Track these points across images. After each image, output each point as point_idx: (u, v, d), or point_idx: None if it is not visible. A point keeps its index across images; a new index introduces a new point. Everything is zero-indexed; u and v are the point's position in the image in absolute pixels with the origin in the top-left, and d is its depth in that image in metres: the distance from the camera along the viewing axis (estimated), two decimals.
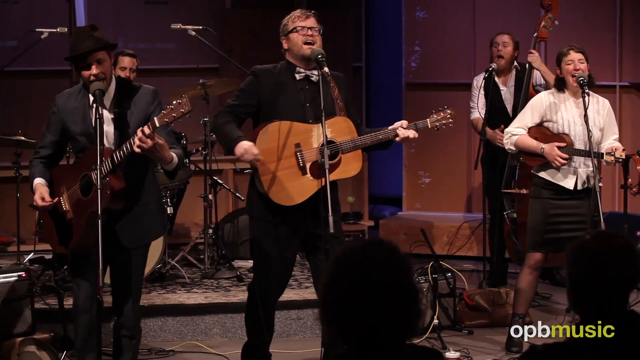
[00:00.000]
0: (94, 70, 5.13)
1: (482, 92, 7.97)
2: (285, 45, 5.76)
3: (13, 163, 7.70)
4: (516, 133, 6.64)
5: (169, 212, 7.67)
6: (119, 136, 5.19)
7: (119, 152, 5.01)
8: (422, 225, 8.35)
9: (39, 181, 5.30)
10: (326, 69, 5.44)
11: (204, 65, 9.47)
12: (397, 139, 5.65)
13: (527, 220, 6.75)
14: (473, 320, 7.26)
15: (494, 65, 7.98)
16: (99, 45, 5.15)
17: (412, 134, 5.69)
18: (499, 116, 7.87)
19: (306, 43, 5.61)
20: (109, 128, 5.21)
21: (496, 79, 8.06)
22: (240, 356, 5.97)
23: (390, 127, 5.67)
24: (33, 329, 6.39)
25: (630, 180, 7.24)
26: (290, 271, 5.88)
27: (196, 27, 7.97)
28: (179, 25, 7.95)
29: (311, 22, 5.66)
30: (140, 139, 4.86)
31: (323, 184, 5.40)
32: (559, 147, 6.47)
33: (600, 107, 6.58)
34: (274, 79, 5.64)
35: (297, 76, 5.65)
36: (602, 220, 6.32)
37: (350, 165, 5.66)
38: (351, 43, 9.94)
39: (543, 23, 7.65)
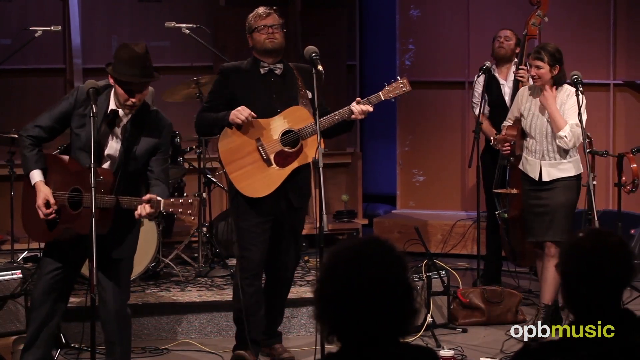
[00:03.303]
0: (136, 100, 5.12)
1: (482, 87, 8.02)
2: (250, 43, 6.08)
3: (7, 162, 7.68)
4: (504, 125, 7.03)
5: None
6: (123, 158, 5.21)
7: (117, 199, 5.08)
8: (416, 223, 8.35)
9: (39, 178, 5.24)
10: (320, 67, 5.66)
11: (198, 64, 9.45)
12: (353, 116, 5.92)
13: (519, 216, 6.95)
14: (467, 318, 7.26)
15: (488, 64, 8.00)
16: (152, 79, 5.16)
17: (365, 108, 5.93)
18: (499, 110, 7.89)
19: (268, 40, 5.99)
20: (116, 147, 5.22)
21: (496, 73, 8.10)
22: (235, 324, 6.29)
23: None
24: (27, 327, 6.37)
25: (624, 178, 7.26)
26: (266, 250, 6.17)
27: (190, 25, 7.97)
28: (173, 24, 7.94)
29: (272, 19, 6.03)
30: (140, 215, 5.04)
31: (289, 173, 5.89)
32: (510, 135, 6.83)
33: (565, 97, 6.70)
34: (241, 75, 6.00)
35: (262, 70, 6.01)
36: (595, 219, 6.34)
37: (312, 150, 5.90)
38: (345, 41, 9.93)
39: (532, 20, 7.64)
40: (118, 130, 5.24)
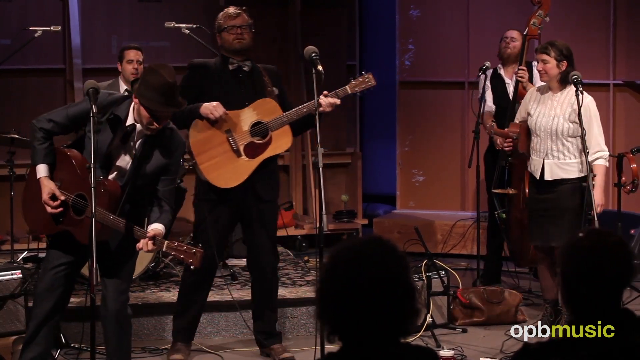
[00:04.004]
0: (160, 126, 5.18)
1: (488, 85, 8.05)
2: (219, 42, 6.25)
3: (7, 162, 7.68)
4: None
5: None
6: (133, 174, 5.22)
7: (120, 223, 5.13)
8: (416, 223, 8.35)
9: (45, 174, 5.23)
10: (320, 67, 5.73)
11: None
12: (321, 108, 5.97)
13: (518, 218, 6.88)
14: (467, 318, 7.26)
15: (487, 64, 8.01)
16: (178, 109, 5.32)
17: (333, 100, 6.08)
18: (503, 109, 7.90)
19: (236, 40, 6.16)
20: (127, 160, 5.25)
21: (502, 72, 8.12)
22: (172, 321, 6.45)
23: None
24: (27, 327, 6.37)
25: (624, 178, 7.26)
26: (221, 251, 6.54)
27: (190, 25, 7.96)
28: (172, 24, 7.94)
29: (241, 20, 6.18)
30: (140, 249, 5.14)
31: (258, 163, 6.05)
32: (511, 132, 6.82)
33: (576, 100, 6.61)
34: (210, 70, 6.20)
35: (231, 66, 6.18)
36: (595, 218, 6.34)
37: (281, 141, 6.13)
38: (345, 41, 9.93)
39: (533, 20, 7.64)
40: (132, 145, 5.25)
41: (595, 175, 6.49)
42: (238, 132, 6.09)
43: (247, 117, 6.10)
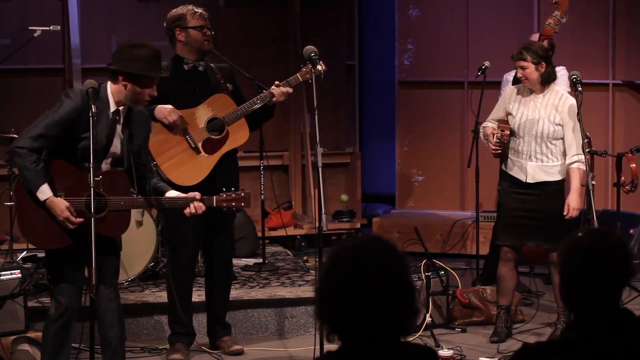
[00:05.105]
0: (155, 92, 5.28)
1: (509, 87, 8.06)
2: (181, 37, 6.25)
3: (6, 161, 7.67)
4: (484, 125, 6.91)
5: None
6: (128, 155, 5.30)
7: (154, 200, 5.39)
8: (415, 223, 8.34)
9: (50, 192, 5.16)
10: (319, 67, 5.86)
11: None
12: (274, 99, 6.18)
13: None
14: (466, 318, 7.27)
15: (487, 63, 8.01)
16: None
17: (285, 89, 6.22)
18: None
19: (206, 41, 6.25)
20: (119, 145, 5.30)
21: None
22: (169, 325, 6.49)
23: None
24: (26, 327, 6.38)
25: (623, 178, 7.26)
26: (198, 247, 6.50)
27: None
28: None
29: (207, 21, 6.28)
30: (191, 214, 5.35)
31: (218, 158, 6.15)
32: (504, 133, 6.67)
33: (560, 103, 6.62)
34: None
35: (186, 67, 6.25)
36: (594, 218, 6.34)
37: (239, 134, 6.25)
38: (344, 41, 9.94)
39: (549, 20, 7.64)
40: (119, 128, 5.29)
41: (595, 176, 6.49)
42: (195, 130, 6.19)
43: (202, 113, 6.20)
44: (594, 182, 6.64)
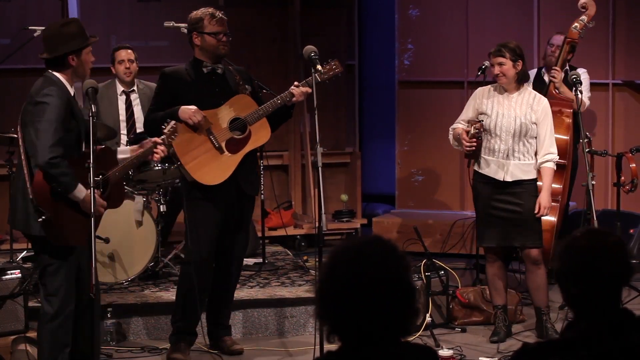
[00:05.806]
0: (92, 57, 5.57)
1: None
2: (197, 42, 6.30)
3: (6, 161, 7.68)
4: (454, 127, 6.92)
5: (161, 209, 7.65)
6: (95, 130, 5.38)
7: (131, 163, 5.64)
8: (415, 223, 8.35)
9: (86, 190, 5.30)
10: (319, 67, 5.93)
11: None
12: (294, 99, 6.26)
13: None
14: (466, 317, 7.27)
15: (487, 63, 8.00)
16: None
17: (305, 89, 6.26)
18: None
19: (222, 47, 6.29)
20: (86, 123, 5.42)
21: (546, 77, 8.18)
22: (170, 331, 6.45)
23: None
24: (26, 327, 6.38)
25: (623, 178, 7.27)
26: (218, 244, 6.40)
27: None
28: (171, 23, 7.94)
29: (226, 26, 6.31)
30: (159, 156, 5.71)
31: (241, 157, 6.21)
32: (478, 132, 6.65)
33: (535, 102, 6.65)
34: (182, 76, 6.31)
35: (205, 70, 6.30)
36: (594, 218, 6.35)
37: (260, 134, 6.34)
38: (344, 41, 9.94)
39: (575, 24, 7.66)
40: (81, 107, 5.60)
41: (594, 176, 6.50)
42: (218, 130, 6.24)
43: (225, 114, 6.26)
44: (593, 182, 6.64)
